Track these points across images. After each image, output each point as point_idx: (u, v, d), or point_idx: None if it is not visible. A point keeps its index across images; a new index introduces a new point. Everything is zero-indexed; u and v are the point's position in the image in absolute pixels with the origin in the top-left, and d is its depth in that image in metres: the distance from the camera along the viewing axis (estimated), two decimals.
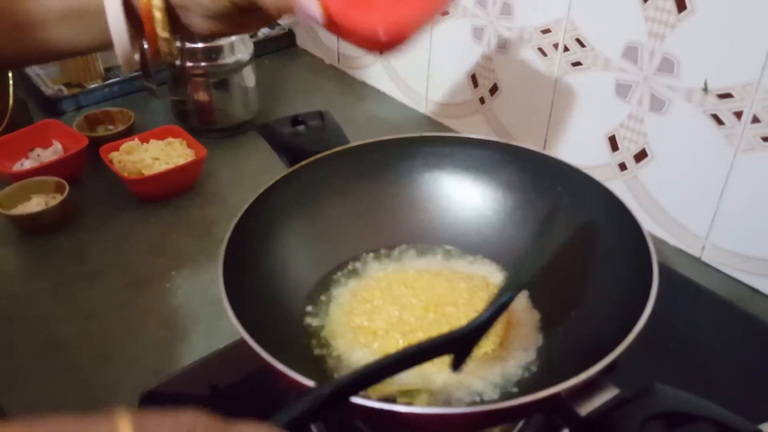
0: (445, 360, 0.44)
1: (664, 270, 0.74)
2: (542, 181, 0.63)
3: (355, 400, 0.42)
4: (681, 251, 0.80)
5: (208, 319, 0.71)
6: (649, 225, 0.81)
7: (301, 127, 0.65)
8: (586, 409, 0.41)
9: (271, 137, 0.64)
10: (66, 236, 0.82)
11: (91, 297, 0.74)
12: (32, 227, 0.83)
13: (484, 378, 0.53)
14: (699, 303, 0.73)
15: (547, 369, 0.54)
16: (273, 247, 0.59)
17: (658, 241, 0.81)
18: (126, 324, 0.71)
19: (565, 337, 0.56)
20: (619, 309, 0.51)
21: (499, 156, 0.65)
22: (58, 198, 0.83)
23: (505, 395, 0.51)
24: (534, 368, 0.54)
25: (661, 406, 0.39)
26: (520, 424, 0.57)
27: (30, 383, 0.65)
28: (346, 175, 0.63)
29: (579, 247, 0.59)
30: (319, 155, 0.63)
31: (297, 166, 0.62)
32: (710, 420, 0.38)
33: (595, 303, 0.56)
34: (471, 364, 0.53)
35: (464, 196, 0.66)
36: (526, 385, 0.53)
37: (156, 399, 0.61)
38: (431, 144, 0.66)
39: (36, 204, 0.84)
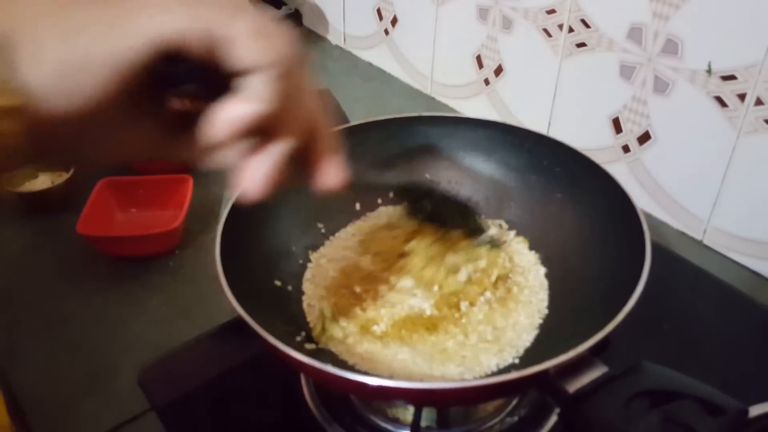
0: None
1: (665, 252, 0.75)
2: (541, 162, 0.63)
3: (350, 376, 0.43)
4: (683, 234, 0.80)
5: (209, 297, 0.71)
6: (651, 208, 0.81)
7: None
8: (574, 386, 0.41)
9: None
10: (71, 214, 0.83)
11: (93, 274, 0.75)
12: (38, 205, 0.84)
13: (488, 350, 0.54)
14: (699, 286, 0.73)
15: (546, 345, 0.54)
16: (270, 225, 0.59)
17: (660, 224, 0.81)
18: (128, 300, 0.72)
19: (563, 314, 0.56)
20: (613, 288, 0.51)
21: (498, 136, 0.65)
22: (64, 176, 0.84)
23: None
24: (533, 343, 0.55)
25: (647, 383, 0.39)
26: (514, 401, 0.57)
27: (33, 358, 0.66)
28: (345, 155, 0.63)
29: (576, 227, 0.59)
30: None
31: None
32: (696, 398, 0.38)
33: (591, 282, 0.56)
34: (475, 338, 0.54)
35: (463, 176, 0.67)
36: (526, 360, 0.53)
37: (155, 374, 0.62)
38: (430, 124, 0.66)
39: (42, 182, 0.85)
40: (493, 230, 0.63)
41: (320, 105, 0.36)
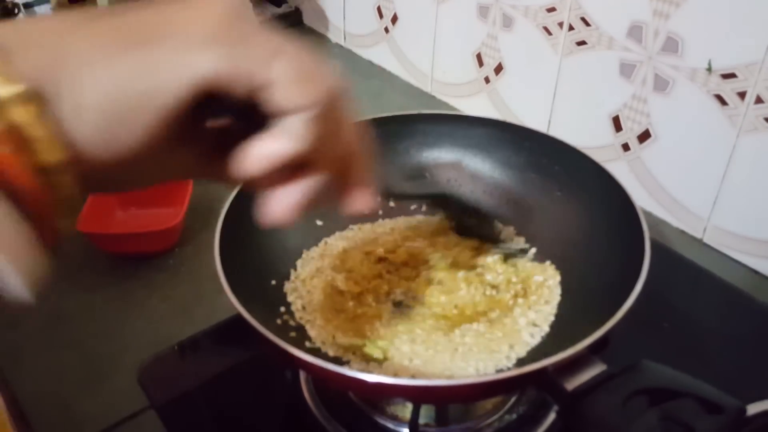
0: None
1: (665, 251, 0.75)
2: (540, 160, 0.63)
3: (349, 372, 0.43)
4: (683, 232, 0.80)
5: (209, 295, 0.71)
6: (651, 206, 0.81)
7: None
8: (572, 384, 0.41)
9: None
10: None
11: (93, 271, 0.75)
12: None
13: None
14: (699, 284, 0.73)
15: (545, 343, 0.54)
16: None
17: (660, 222, 0.81)
18: (128, 298, 0.72)
19: (561, 312, 0.56)
20: (612, 287, 0.51)
21: (497, 134, 0.65)
22: None
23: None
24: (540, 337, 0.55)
25: (646, 381, 0.39)
26: (513, 399, 0.57)
27: (33, 356, 0.66)
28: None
29: (575, 225, 0.59)
30: None
31: None
32: (694, 396, 0.38)
33: (590, 280, 0.56)
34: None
35: (462, 175, 0.67)
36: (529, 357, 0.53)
37: (155, 372, 0.62)
38: (430, 122, 0.66)
39: None
40: (512, 241, 0.63)
41: (358, 136, 0.35)
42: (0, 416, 0.56)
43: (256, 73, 0.29)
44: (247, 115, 0.32)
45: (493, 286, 0.58)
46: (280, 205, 0.34)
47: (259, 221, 0.35)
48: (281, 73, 0.30)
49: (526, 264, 0.60)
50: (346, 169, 0.35)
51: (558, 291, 0.57)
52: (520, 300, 0.57)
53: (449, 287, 0.58)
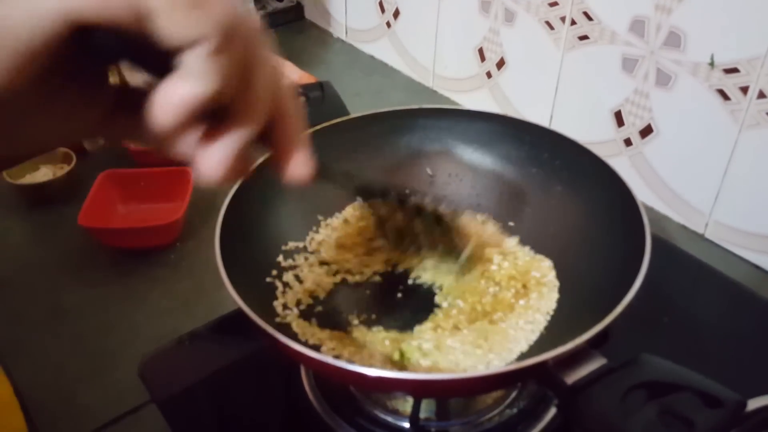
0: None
1: (667, 246, 0.75)
2: (541, 155, 0.63)
3: (349, 366, 0.43)
4: (684, 228, 0.80)
5: (210, 289, 0.72)
6: (653, 201, 0.81)
7: (300, 99, 0.65)
8: (572, 378, 0.41)
9: None
10: (73, 206, 0.83)
11: (95, 266, 0.76)
12: (40, 197, 0.84)
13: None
14: (701, 279, 0.73)
15: (543, 337, 0.54)
16: (268, 216, 0.59)
17: (662, 218, 0.81)
18: (129, 293, 0.72)
19: (561, 306, 0.56)
20: (613, 281, 0.51)
21: (498, 129, 0.65)
22: (66, 168, 0.84)
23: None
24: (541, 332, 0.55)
25: (645, 375, 0.39)
26: (514, 393, 0.57)
27: (34, 349, 0.66)
28: (345, 147, 0.64)
29: (576, 220, 0.59)
30: (318, 126, 0.63)
31: None
32: (694, 390, 0.38)
33: (591, 275, 0.56)
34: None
35: (463, 169, 0.67)
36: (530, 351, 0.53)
37: (156, 366, 0.62)
38: (430, 116, 0.66)
39: (43, 174, 0.85)
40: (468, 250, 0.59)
41: (284, 84, 0.32)
42: (9, 401, 0.56)
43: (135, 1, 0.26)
44: (147, 57, 0.28)
45: (496, 283, 0.58)
46: (210, 166, 0.30)
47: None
48: None
49: (525, 258, 0.60)
50: (275, 122, 0.33)
51: (555, 285, 0.57)
52: (521, 301, 0.56)
53: (459, 285, 0.58)
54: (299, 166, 0.34)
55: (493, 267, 0.59)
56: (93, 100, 0.32)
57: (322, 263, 0.61)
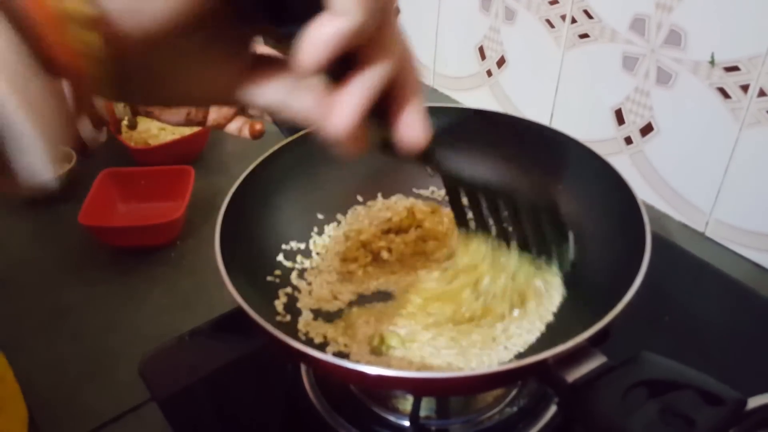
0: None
1: (667, 244, 0.75)
2: (541, 153, 0.63)
3: (350, 365, 0.43)
4: (685, 226, 0.80)
5: (210, 288, 0.72)
6: (653, 200, 0.81)
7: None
8: (572, 376, 0.41)
9: None
10: (73, 204, 0.83)
11: (95, 264, 0.76)
12: (40, 195, 0.84)
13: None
14: (701, 278, 0.73)
15: (544, 336, 0.54)
16: (269, 215, 0.59)
17: (662, 216, 0.81)
18: (129, 291, 0.72)
19: (562, 304, 0.56)
20: (613, 280, 0.51)
21: (498, 127, 0.65)
22: (66, 167, 0.84)
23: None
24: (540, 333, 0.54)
25: (645, 373, 0.39)
26: (514, 391, 0.57)
27: (35, 348, 0.66)
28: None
29: (577, 218, 0.59)
30: None
31: (295, 136, 0.62)
32: (694, 388, 0.38)
33: (591, 273, 0.56)
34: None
35: (462, 168, 0.66)
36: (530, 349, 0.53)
37: (156, 364, 0.62)
38: (430, 115, 0.65)
39: None
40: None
41: (405, 39, 0.32)
42: (20, 411, 0.56)
43: None
44: (293, 17, 0.29)
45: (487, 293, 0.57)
46: (342, 110, 0.30)
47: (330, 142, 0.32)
48: None
49: (524, 274, 0.59)
50: (401, 76, 0.32)
51: (561, 291, 0.56)
52: (516, 311, 0.56)
53: (448, 294, 0.57)
54: (417, 127, 0.34)
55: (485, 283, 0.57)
56: (237, 56, 0.32)
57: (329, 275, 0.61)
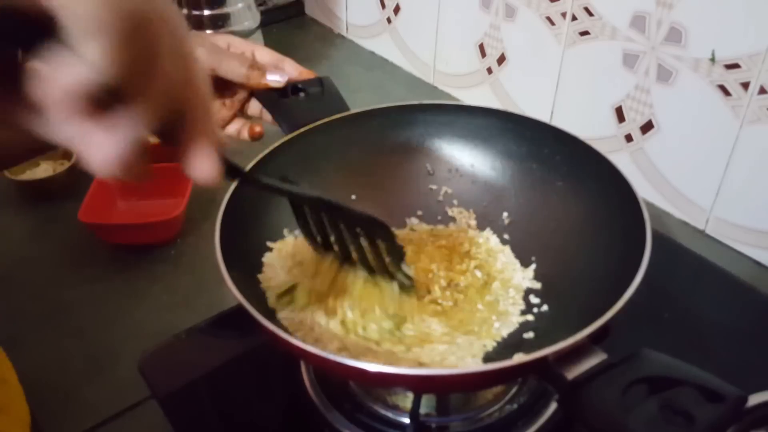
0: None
1: (668, 242, 0.75)
2: (541, 151, 0.63)
3: (350, 362, 0.42)
4: (685, 224, 0.80)
5: (210, 285, 0.72)
6: (653, 197, 0.81)
7: (300, 95, 0.64)
8: (572, 373, 0.41)
9: (270, 104, 0.64)
10: (73, 202, 0.83)
11: (95, 262, 0.76)
12: (40, 193, 0.84)
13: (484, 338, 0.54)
14: (701, 275, 0.73)
15: (544, 333, 0.54)
16: (269, 212, 0.59)
17: (663, 214, 0.81)
18: (129, 289, 0.72)
19: (562, 303, 0.56)
20: (613, 277, 0.51)
21: (498, 125, 0.65)
22: (66, 164, 0.84)
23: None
24: (534, 332, 0.54)
25: (646, 370, 0.39)
26: (514, 389, 0.57)
27: (35, 345, 0.66)
28: (345, 142, 0.63)
29: (577, 216, 0.59)
30: (317, 122, 0.63)
31: (295, 133, 0.62)
32: (695, 385, 0.38)
33: (592, 270, 0.56)
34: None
35: (463, 165, 0.66)
36: (525, 348, 0.53)
37: (156, 362, 0.62)
38: (431, 112, 0.66)
39: (44, 170, 0.85)
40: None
41: (197, 78, 0.30)
42: (21, 412, 0.56)
43: None
44: (33, 35, 0.25)
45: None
46: (102, 155, 0.27)
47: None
48: None
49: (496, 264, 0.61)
50: (180, 118, 0.30)
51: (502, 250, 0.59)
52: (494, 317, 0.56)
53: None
54: (203, 164, 0.32)
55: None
56: None
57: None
